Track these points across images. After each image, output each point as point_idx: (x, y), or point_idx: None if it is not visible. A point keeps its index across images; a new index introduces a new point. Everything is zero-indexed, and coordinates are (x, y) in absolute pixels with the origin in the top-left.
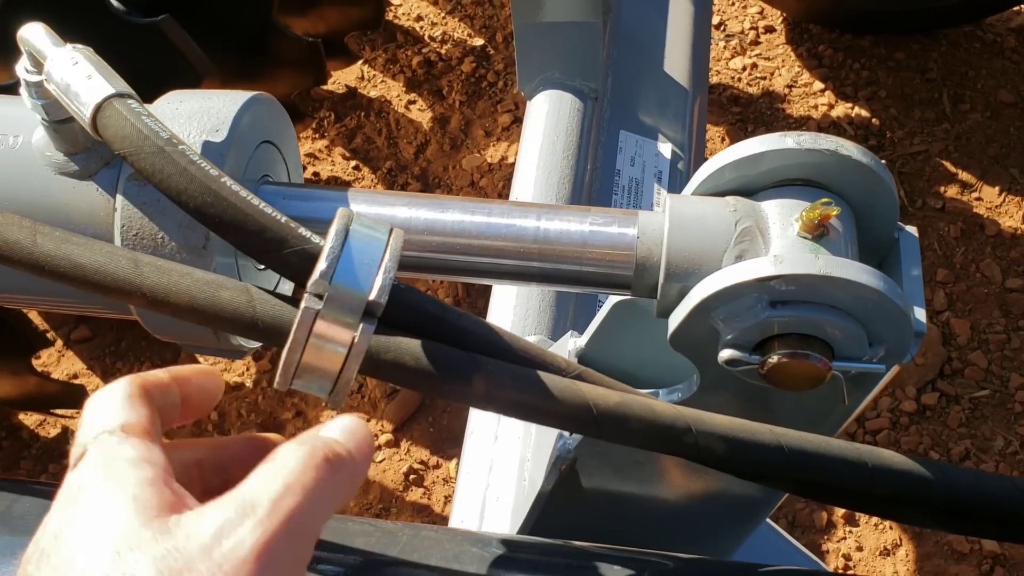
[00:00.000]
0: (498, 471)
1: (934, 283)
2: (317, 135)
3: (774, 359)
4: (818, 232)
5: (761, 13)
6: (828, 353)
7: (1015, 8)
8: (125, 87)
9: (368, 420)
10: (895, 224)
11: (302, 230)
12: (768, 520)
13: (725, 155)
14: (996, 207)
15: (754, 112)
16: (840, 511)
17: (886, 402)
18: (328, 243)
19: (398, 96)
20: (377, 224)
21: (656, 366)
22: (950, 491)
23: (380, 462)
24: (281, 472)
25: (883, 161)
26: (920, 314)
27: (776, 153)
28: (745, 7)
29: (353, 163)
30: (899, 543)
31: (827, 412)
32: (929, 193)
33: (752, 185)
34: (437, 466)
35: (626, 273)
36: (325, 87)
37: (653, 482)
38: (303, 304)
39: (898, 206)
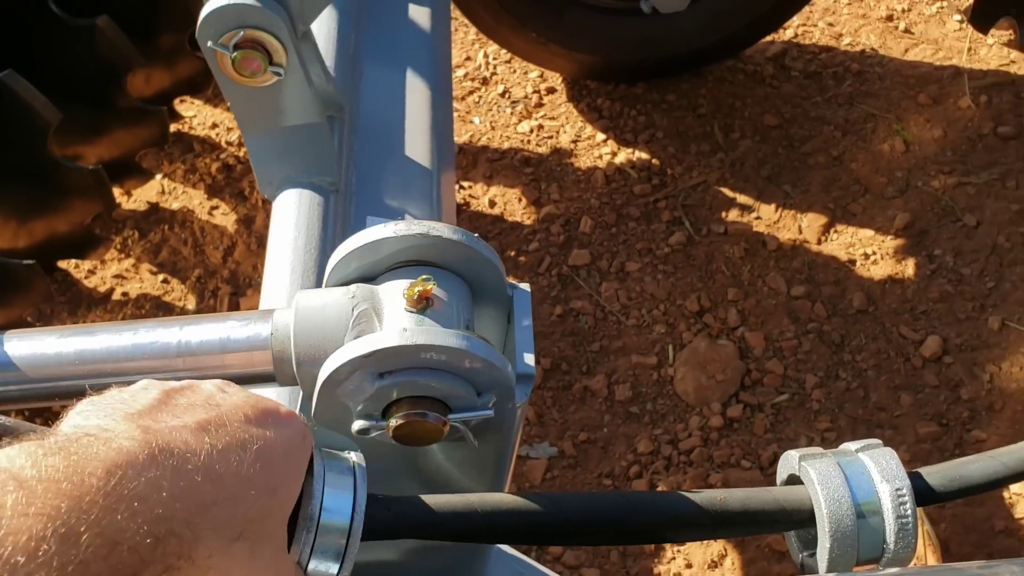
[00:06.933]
0: None
1: (726, 303)
2: (123, 255)
3: (394, 422)
4: (422, 305)
5: (541, 76)
6: (444, 409)
7: (767, 39)
8: None
9: None
10: (504, 285)
11: None
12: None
13: (341, 249)
14: (774, 223)
15: (545, 170)
16: None
17: (696, 421)
18: None
19: (200, 204)
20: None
21: None
22: (561, 516)
23: None
24: None
25: (476, 234)
26: (529, 359)
27: (379, 244)
28: (526, 73)
29: (161, 277)
30: (724, 553)
31: (478, 462)
32: (712, 220)
33: (375, 270)
34: None
35: (267, 369)
36: (127, 206)
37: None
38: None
39: (500, 270)
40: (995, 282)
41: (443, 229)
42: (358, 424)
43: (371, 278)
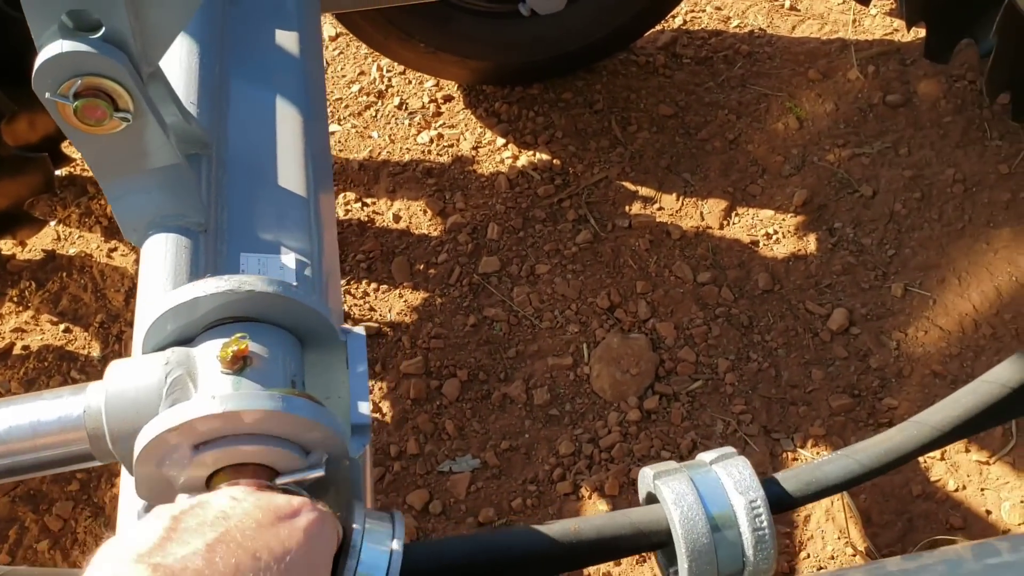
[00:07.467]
0: None
1: (636, 296)
2: (20, 307)
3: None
4: (238, 366)
5: (437, 85)
6: (270, 474)
7: (657, 28)
8: None
9: None
10: (334, 331)
11: None
12: None
13: (152, 312)
14: (677, 212)
15: (448, 180)
16: None
17: (614, 417)
18: None
19: (98, 247)
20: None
21: None
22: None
23: None
24: None
25: (295, 284)
26: (364, 408)
27: (192, 304)
28: (421, 83)
29: (63, 326)
30: None
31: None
32: (617, 215)
33: (193, 331)
34: None
35: (84, 448)
36: (22, 256)
37: None
38: None
39: (325, 317)
40: (895, 249)
41: (256, 283)
42: (181, 498)
43: (190, 339)
